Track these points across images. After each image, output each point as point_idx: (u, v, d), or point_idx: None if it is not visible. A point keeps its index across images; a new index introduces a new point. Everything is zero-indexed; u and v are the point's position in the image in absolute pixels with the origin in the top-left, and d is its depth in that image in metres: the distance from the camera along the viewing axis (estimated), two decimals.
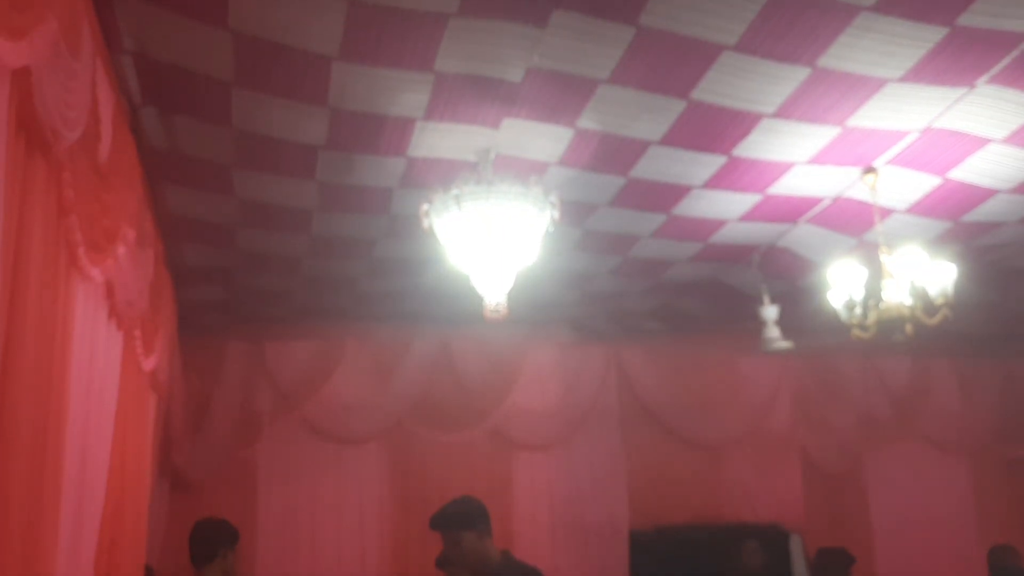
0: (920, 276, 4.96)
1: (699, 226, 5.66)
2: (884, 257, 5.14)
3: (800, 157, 4.77)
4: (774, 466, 8.13)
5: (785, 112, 4.29)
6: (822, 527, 8.02)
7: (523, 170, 4.72)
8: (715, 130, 4.46)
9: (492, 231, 4.33)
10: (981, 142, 4.60)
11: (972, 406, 8.71)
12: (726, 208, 5.40)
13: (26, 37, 2.07)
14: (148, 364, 4.34)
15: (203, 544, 5.19)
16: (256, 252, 5.80)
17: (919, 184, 5.09)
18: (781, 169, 4.91)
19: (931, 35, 3.72)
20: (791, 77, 4.00)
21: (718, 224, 5.64)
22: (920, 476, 8.47)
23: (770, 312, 6.40)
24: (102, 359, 3.42)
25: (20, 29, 2.03)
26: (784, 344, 6.34)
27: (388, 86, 3.95)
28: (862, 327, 5.14)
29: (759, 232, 5.81)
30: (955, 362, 8.74)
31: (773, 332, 6.38)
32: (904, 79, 4.02)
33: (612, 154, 4.68)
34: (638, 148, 4.62)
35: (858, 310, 5.13)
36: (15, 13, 2.01)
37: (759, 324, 6.47)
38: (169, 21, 3.43)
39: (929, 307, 5.01)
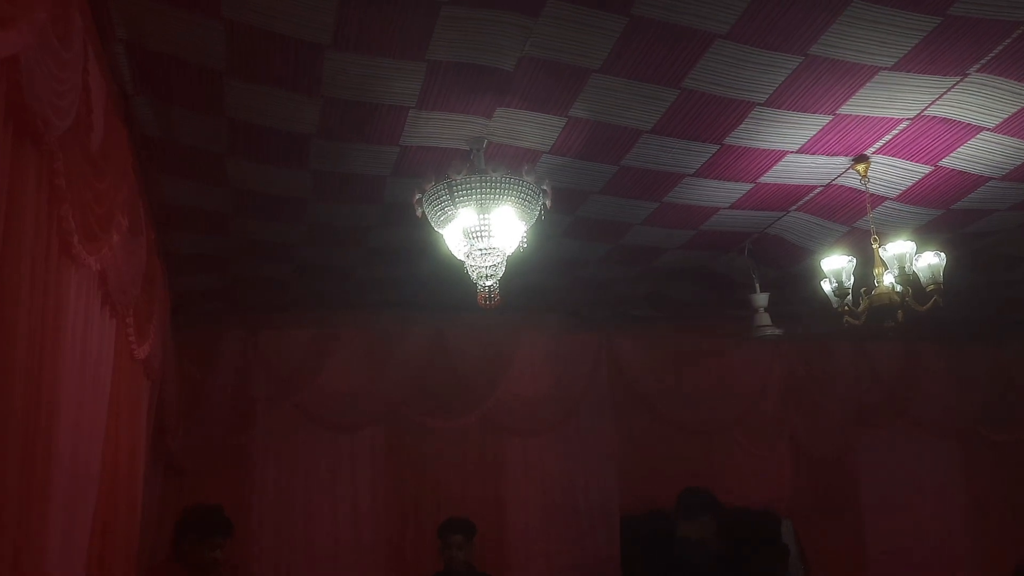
0: (911, 263, 4.95)
1: (690, 214, 5.65)
2: (875, 245, 5.14)
3: (791, 145, 4.76)
4: (765, 451, 8.15)
5: (776, 101, 4.28)
6: (812, 511, 8.05)
7: (516, 158, 4.71)
8: (707, 119, 4.44)
9: (484, 220, 4.31)
10: (972, 130, 4.59)
11: (961, 390, 8.73)
12: (718, 196, 5.39)
13: (14, 27, 2.04)
14: (141, 352, 4.31)
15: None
16: (250, 240, 5.78)
17: (910, 172, 5.08)
18: (773, 157, 4.90)
19: (923, 24, 3.70)
20: (783, 65, 3.98)
21: (710, 212, 5.63)
22: (909, 459, 8.49)
23: (761, 299, 6.40)
24: (95, 347, 3.40)
25: (7, 19, 2.00)
26: (775, 331, 6.34)
27: (381, 75, 3.93)
28: (853, 314, 5.13)
29: (750, 220, 5.80)
30: (944, 348, 8.75)
31: (764, 319, 6.38)
32: (896, 67, 4.01)
33: (604, 142, 4.67)
34: (630, 137, 4.61)
35: (849, 297, 5.12)
36: (2, 3, 1.98)
37: (750, 311, 6.48)
38: (162, 10, 3.41)
39: (920, 294, 5.00)
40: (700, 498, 6.18)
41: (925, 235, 5.58)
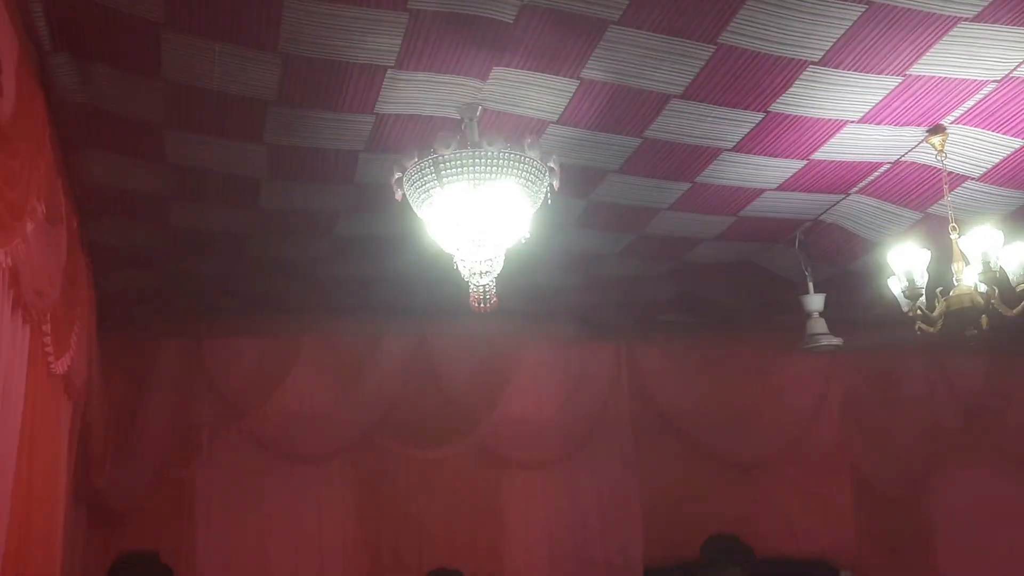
0: (997, 257, 4.95)
1: (729, 196, 5.67)
2: (954, 235, 5.14)
3: (852, 114, 4.77)
4: (821, 489, 8.15)
5: (834, 59, 4.28)
6: (878, 562, 8.05)
7: (516, 129, 4.72)
8: (749, 81, 4.45)
9: (478, 203, 4.32)
10: None
11: None
12: (762, 175, 5.40)
13: None
14: (61, 366, 4.32)
15: None
16: (193, 230, 5.79)
17: (996, 145, 5.09)
18: (829, 128, 4.91)
19: None
20: (841, 16, 3.99)
21: (752, 194, 5.65)
22: (996, 499, 8.46)
23: (815, 301, 6.40)
24: (4, 360, 3.41)
25: None
26: (832, 340, 6.35)
27: (352, 27, 3.93)
28: (927, 320, 5.13)
29: (802, 204, 5.82)
30: None
31: (819, 326, 6.38)
32: (979, 18, 4.01)
33: (624, 110, 4.68)
34: (656, 103, 4.62)
35: (922, 299, 5.12)
36: None
37: (802, 316, 6.47)
38: None
39: (1008, 295, 5.00)
40: (727, 547, 6.19)
41: (1015, 223, 5.59)
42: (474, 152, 4.31)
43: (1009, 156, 5.16)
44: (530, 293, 6.81)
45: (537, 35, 4.08)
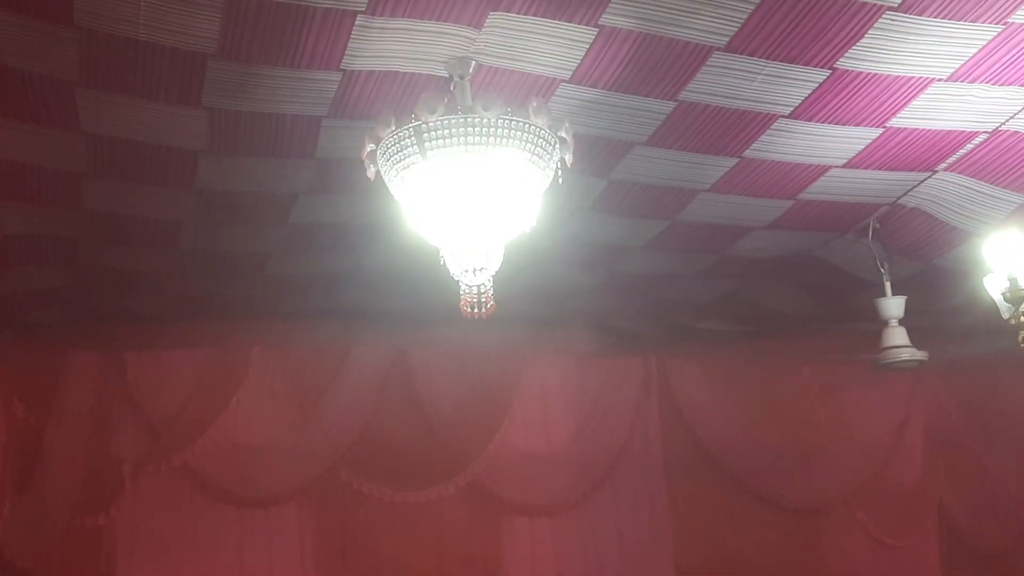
0: None
1: (786, 175, 5.67)
2: None
3: (939, 71, 4.76)
4: (899, 540, 8.16)
5: (918, 3, 4.26)
6: None
7: (519, 90, 4.73)
8: (811, 30, 4.44)
9: (471, 183, 4.32)
10: None
11: None
12: (827, 148, 5.40)
13: None
14: None
15: None
16: (113, 216, 5.79)
17: None
18: (911, 89, 4.90)
19: None
20: None
21: (815, 171, 5.65)
22: None
23: (893, 306, 6.40)
24: None
25: None
26: (914, 354, 6.34)
27: None
28: None
29: (877, 184, 5.82)
30: None
31: (898, 336, 6.38)
32: None
33: (654, 66, 4.67)
34: (694, 57, 4.61)
35: None
36: None
37: (877, 325, 6.47)
38: None
39: None
40: None
41: None
42: (466, 119, 4.29)
43: None
44: (536, 295, 6.81)
45: None
